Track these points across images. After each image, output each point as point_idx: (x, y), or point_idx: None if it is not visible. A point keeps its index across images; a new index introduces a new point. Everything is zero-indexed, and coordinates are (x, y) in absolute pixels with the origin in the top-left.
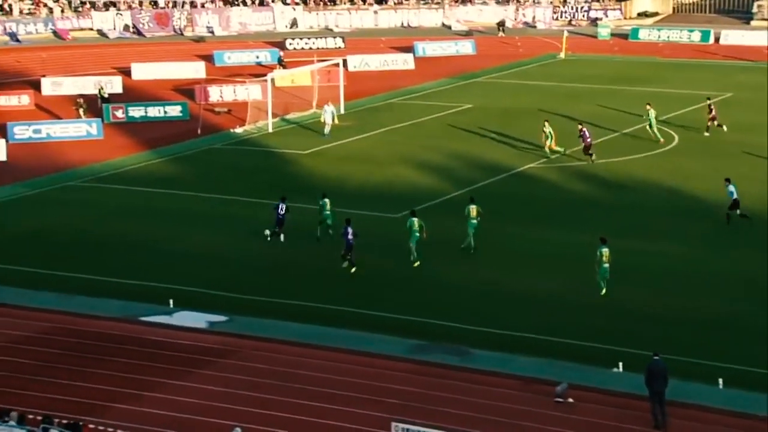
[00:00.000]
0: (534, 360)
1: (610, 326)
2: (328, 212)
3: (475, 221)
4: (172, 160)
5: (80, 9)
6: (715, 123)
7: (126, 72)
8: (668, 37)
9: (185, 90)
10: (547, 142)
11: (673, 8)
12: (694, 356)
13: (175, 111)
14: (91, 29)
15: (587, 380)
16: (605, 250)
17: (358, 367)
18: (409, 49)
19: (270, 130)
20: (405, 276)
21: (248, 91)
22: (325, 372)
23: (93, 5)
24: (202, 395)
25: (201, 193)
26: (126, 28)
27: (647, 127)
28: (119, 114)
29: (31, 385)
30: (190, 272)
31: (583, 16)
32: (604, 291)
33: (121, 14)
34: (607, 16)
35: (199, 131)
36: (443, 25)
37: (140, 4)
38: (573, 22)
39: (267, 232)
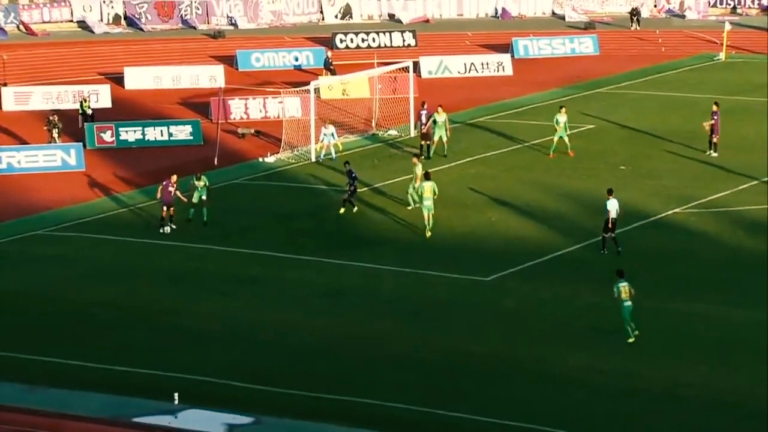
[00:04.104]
0: None
1: None
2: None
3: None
4: (178, 201)
5: None
6: (714, 139)
7: (117, 79)
8: None
9: (197, 104)
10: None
11: None
12: None
13: (182, 133)
14: (70, 21)
15: None
16: (623, 285)
17: None
18: (505, 48)
19: (313, 159)
20: (499, 365)
21: (283, 106)
22: None
23: None
24: None
25: (216, 245)
26: (117, 19)
27: (554, 136)
28: (107, 137)
29: None
30: (202, 355)
31: (754, 1)
32: (632, 338)
33: (110, 1)
34: None
35: (215, 161)
36: (554, 14)
37: None
38: (739, 10)
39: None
